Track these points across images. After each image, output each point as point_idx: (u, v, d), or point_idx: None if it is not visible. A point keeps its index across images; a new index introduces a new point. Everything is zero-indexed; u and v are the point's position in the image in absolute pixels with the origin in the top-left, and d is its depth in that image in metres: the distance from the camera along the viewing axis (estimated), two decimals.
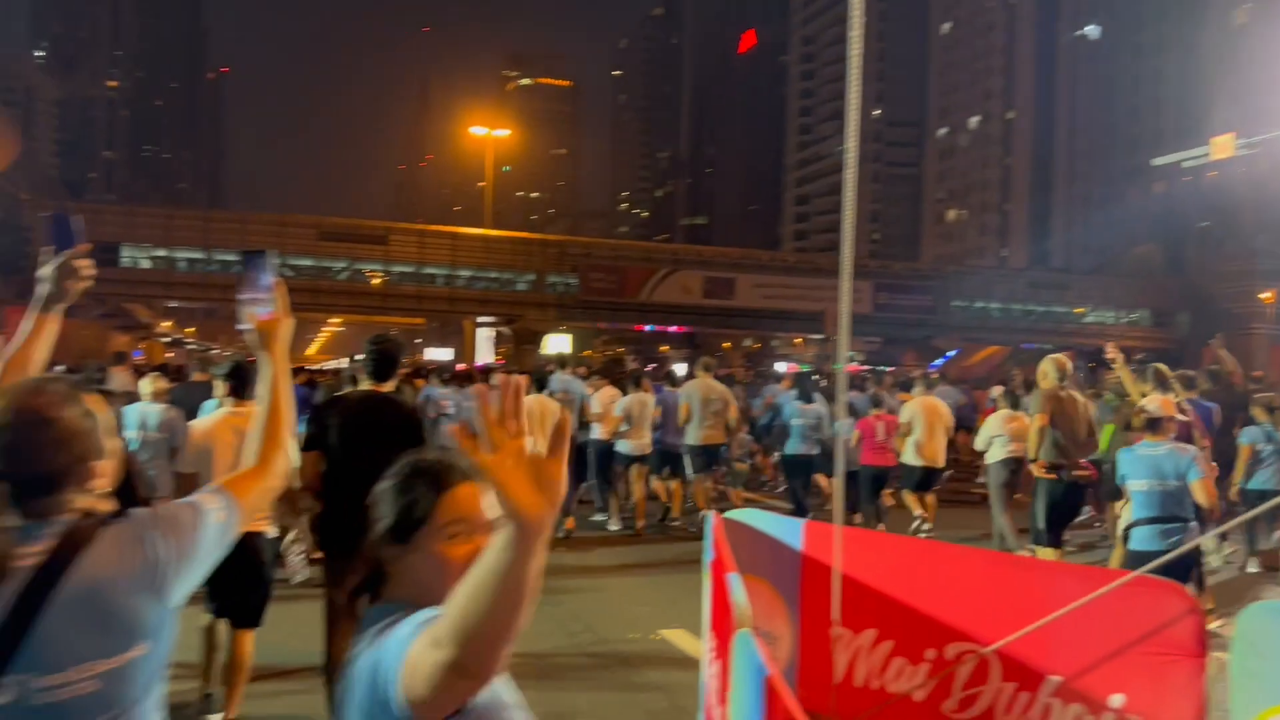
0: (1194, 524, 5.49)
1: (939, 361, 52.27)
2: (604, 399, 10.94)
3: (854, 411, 10.82)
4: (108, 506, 1.75)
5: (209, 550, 1.80)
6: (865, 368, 36.28)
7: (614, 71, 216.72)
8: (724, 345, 79.26)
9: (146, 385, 6.94)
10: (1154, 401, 5.82)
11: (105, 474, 1.78)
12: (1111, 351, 7.98)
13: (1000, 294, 60.00)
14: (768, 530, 3.49)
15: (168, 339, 71.06)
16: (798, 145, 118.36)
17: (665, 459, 11.07)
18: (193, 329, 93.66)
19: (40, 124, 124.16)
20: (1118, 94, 76.05)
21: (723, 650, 2.59)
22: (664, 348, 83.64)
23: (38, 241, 47.66)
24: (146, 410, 6.74)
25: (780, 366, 49.84)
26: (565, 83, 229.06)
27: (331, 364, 58.29)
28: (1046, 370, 7.66)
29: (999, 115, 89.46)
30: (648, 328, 67.23)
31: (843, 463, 3.19)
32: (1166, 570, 5.27)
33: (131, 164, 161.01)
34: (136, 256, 50.42)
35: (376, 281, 51.27)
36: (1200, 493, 5.40)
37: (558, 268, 55.19)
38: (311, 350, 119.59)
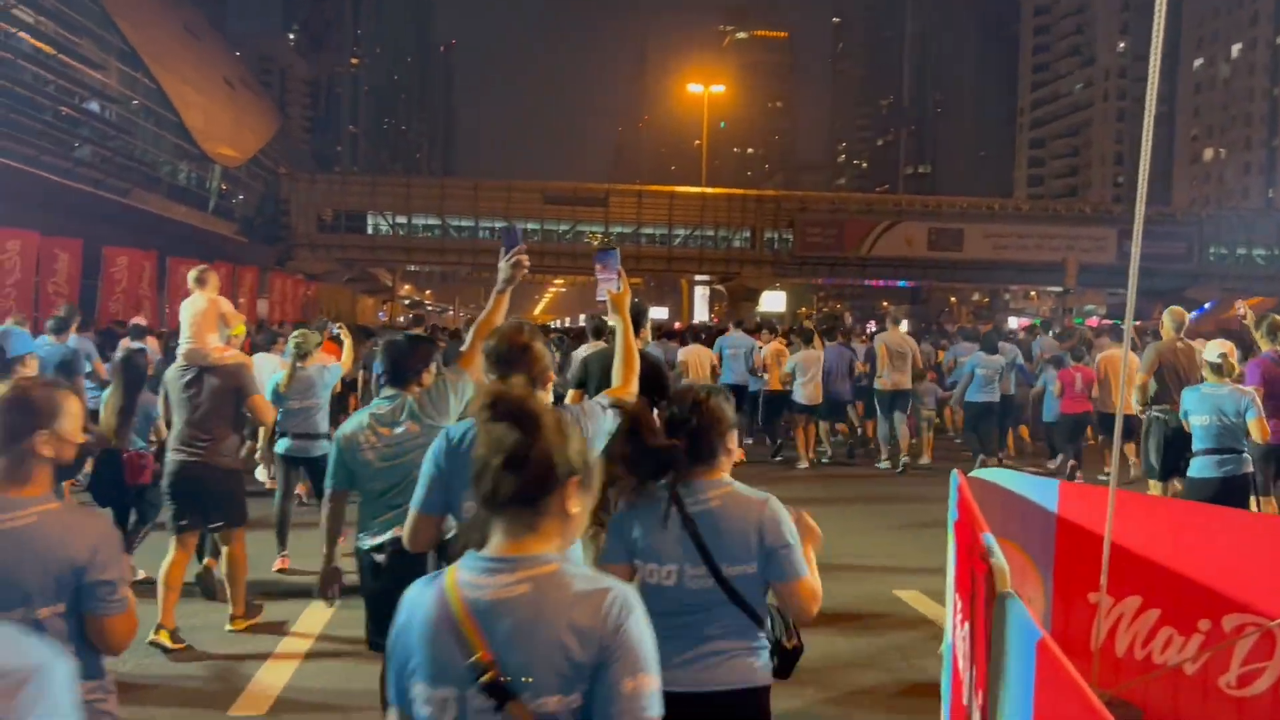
0: (1246, 454, 6.11)
1: (1195, 314, 48.09)
2: (771, 353, 12.62)
3: (1058, 363, 11.62)
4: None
5: (605, 435, 2.75)
6: (1108, 322, 33.96)
7: (833, 19, 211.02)
8: (950, 300, 76.29)
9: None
10: (1218, 346, 6.21)
11: (553, 377, 2.96)
12: (1242, 308, 8.14)
13: (1266, 238, 54.45)
14: (1018, 490, 3.34)
15: (407, 301, 75.85)
16: (1031, 85, 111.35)
17: (833, 408, 12.54)
18: (429, 292, 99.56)
19: (293, 102, 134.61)
20: None
21: (971, 611, 2.50)
22: (885, 303, 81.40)
23: (295, 214, 51.68)
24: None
25: (1012, 322, 47.45)
26: (781, 34, 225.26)
27: (555, 323, 60.42)
28: (1164, 321, 7.93)
29: (1267, 41, 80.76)
30: (867, 282, 65.49)
31: (1120, 425, 3.00)
32: (1225, 498, 5.78)
33: (373, 136, 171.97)
34: (379, 224, 53.80)
35: (596, 242, 52.53)
36: (1254, 429, 5.96)
37: (774, 224, 54.67)
38: (537, 310, 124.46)
